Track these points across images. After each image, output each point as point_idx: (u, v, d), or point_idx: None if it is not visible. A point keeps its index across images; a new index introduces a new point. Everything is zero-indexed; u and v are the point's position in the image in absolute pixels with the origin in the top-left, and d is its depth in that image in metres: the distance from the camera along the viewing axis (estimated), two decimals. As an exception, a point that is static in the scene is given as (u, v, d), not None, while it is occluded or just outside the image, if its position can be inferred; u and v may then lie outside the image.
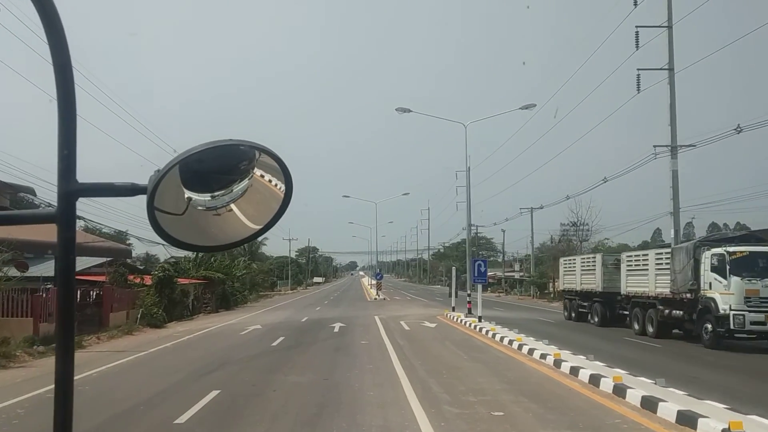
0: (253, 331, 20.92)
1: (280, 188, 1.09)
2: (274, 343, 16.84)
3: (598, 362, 11.65)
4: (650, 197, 72.91)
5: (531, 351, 13.64)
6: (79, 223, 37.50)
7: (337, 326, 22.02)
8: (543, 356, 12.79)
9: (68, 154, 0.97)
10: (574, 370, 10.93)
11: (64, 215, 0.97)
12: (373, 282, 61.23)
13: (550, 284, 54.22)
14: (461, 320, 22.84)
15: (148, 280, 26.76)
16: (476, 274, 21.30)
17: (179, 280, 31.65)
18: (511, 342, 15.40)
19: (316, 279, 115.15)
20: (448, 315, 26.08)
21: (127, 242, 52.60)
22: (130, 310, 22.96)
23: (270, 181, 1.09)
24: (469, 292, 25.64)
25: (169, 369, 12.66)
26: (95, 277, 25.14)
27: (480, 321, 20.92)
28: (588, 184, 67.62)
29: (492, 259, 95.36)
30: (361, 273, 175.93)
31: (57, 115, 0.96)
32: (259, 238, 68.53)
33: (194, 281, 34.47)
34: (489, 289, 59.36)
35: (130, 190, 1.02)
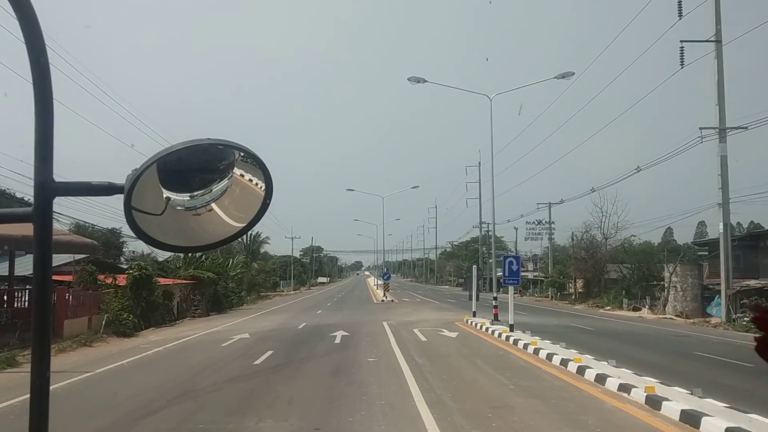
0: (237, 342, 17.33)
1: (260, 187, 1.07)
2: (258, 361, 13.25)
3: (711, 400, 8.00)
4: (670, 192, 68.89)
5: (601, 378, 9.97)
6: (68, 222, 34.09)
7: (339, 335, 18.42)
8: (625, 388, 9.11)
9: (45, 153, 0.95)
10: (691, 418, 7.26)
11: (41, 214, 0.95)
12: (380, 282, 57.52)
13: (570, 284, 50.47)
14: (487, 328, 19.18)
15: (122, 280, 23.27)
16: (507, 274, 17.60)
17: (162, 280, 28.17)
18: (565, 362, 11.72)
19: (321, 279, 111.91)
20: (469, 321, 22.43)
21: (120, 240, 49.45)
22: (94, 315, 19.41)
23: (250, 180, 1.06)
24: (495, 294, 21.99)
25: (102, 404, 9.09)
26: (61, 276, 21.78)
27: (512, 330, 17.27)
28: (605, 180, 63.55)
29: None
30: (367, 273, 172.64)
31: (34, 113, 0.93)
32: (261, 237, 64.07)
33: (180, 281, 30.93)
34: (501, 289, 55.65)
35: (108, 190, 1.00)
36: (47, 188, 0.95)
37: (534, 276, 65.16)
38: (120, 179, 0.99)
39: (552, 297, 51.61)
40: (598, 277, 44.05)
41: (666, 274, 34.75)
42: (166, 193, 1.01)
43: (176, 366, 13.10)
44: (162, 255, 36.14)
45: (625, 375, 10.04)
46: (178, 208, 1.03)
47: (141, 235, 0.99)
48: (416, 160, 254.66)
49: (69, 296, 19.38)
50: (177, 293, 29.43)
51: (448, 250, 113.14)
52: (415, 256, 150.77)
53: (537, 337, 15.80)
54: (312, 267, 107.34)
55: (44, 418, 0.96)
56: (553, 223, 58.06)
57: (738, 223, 76.94)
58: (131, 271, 23.60)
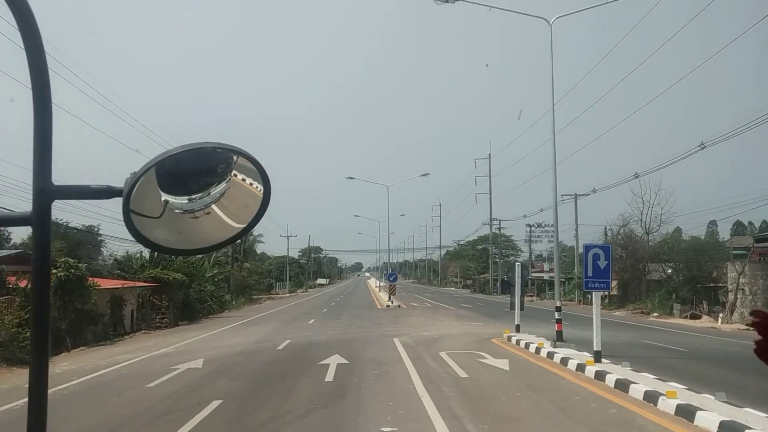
0: (176, 378, 11.30)
1: (258, 190, 1.06)
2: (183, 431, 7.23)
3: None
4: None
5: None
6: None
7: (332, 365, 12.38)
8: None
9: (44, 156, 0.93)
10: None
11: (40, 217, 0.93)
12: (384, 284, 51.42)
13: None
14: (550, 354, 13.15)
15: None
16: (591, 273, 11.49)
17: (108, 282, 22.20)
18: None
19: (320, 280, 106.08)
20: (513, 339, 16.44)
21: (99, 239, 43.50)
22: (-25, 335, 13.40)
23: (248, 183, 1.05)
24: (559, 304, 16.02)
25: None
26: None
27: (598, 360, 11.22)
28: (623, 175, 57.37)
29: (513, 258, 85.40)
30: (367, 274, 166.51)
31: (33, 117, 0.92)
32: (252, 234, 58.30)
33: (138, 284, 24.89)
34: (510, 290, 49.92)
35: (106, 193, 0.99)
36: (46, 192, 0.94)
37: (550, 277, 59.08)
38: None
39: (579, 301, 45.54)
40: (639, 278, 37.97)
41: (732, 275, 28.78)
42: (164, 197, 0.99)
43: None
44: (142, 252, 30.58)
45: None
46: (176, 211, 1.01)
47: (139, 237, 0.97)
48: (422, 148, 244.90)
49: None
50: (131, 299, 23.40)
51: (452, 249, 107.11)
52: (417, 256, 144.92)
53: (652, 376, 9.77)
54: (310, 268, 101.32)
55: (42, 418, 0.92)
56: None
57: (750, 222, 71.07)
58: (56, 271, 17.57)
